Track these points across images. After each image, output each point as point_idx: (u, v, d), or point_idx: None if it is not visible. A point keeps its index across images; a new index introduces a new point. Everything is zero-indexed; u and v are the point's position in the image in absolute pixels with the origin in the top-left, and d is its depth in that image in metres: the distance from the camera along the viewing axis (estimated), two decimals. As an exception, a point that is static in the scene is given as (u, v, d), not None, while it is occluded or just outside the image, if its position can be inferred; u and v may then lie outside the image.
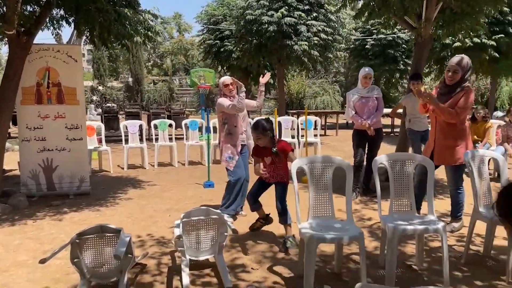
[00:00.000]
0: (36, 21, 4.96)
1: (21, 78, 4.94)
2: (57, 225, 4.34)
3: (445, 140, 3.84)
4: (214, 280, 3.04)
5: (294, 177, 3.06)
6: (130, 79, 20.63)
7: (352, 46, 15.44)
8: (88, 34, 5.35)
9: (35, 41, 5.06)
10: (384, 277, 2.94)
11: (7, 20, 4.62)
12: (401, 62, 14.62)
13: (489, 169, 5.99)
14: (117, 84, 20.98)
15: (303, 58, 10.40)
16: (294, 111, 13.71)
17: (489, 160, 5.49)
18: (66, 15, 5.19)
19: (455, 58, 3.73)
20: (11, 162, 7.01)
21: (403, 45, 14.81)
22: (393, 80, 15.71)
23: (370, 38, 14.60)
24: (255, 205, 3.87)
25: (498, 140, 6.67)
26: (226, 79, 4.49)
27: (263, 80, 4.45)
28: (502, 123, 7.02)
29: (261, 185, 3.81)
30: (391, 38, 14.49)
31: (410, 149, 5.96)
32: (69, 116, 5.39)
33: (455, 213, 4.06)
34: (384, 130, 6.14)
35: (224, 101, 4.36)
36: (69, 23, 5.25)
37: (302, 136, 8.07)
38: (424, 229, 2.91)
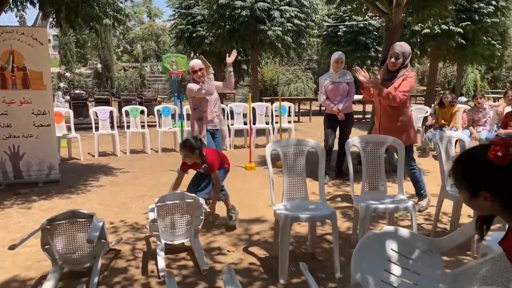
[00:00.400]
0: (-3, 1, 4.73)
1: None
2: (26, 213, 4.22)
3: (390, 124, 3.98)
4: (190, 263, 3.05)
5: (268, 161, 3.08)
6: (99, 66, 20.01)
7: (325, 33, 15.52)
8: (54, 16, 5.12)
9: (-3, 23, 4.83)
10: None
11: (-35, 0, 4.38)
12: (372, 49, 14.85)
13: (455, 152, 6.24)
14: (86, 71, 20.31)
15: (276, 43, 10.38)
16: (268, 98, 13.72)
17: (456, 142, 5.69)
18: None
19: (397, 45, 3.90)
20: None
21: (374, 32, 15.02)
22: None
23: (343, 25, 14.72)
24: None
25: (464, 124, 6.92)
26: (195, 64, 4.40)
27: (229, 59, 4.39)
28: (467, 107, 7.29)
29: (199, 177, 3.73)
30: (362, 25, 14.67)
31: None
32: (35, 102, 5.19)
33: (418, 191, 4.22)
34: (355, 116, 6.25)
35: (192, 86, 4.35)
36: (33, 4, 5.02)
37: (277, 122, 8.10)
38: (395, 207, 3.01)
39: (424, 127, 7.83)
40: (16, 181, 5.20)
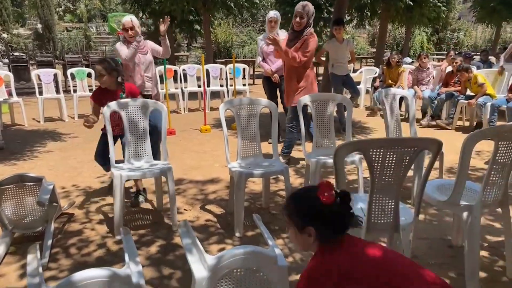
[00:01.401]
0: None
1: None
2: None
3: (292, 83, 4.14)
4: (147, 222, 3.08)
5: (222, 120, 3.11)
6: (39, 26, 18.54)
7: (278, -8, 15.24)
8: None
9: None
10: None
11: None
12: (325, 10, 14.80)
13: (400, 110, 6.56)
14: (25, 32, 18.77)
15: (229, 3, 10.09)
16: (222, 60, 13.49)
17: (401, 101, 5.98)
18: None
19: (300, 5, 3.93)
20: None
21: (327, -7, 14.95)
22: (317, 29, 15.95)
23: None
24: (107, 165, 3.19)
25: (409, 83, 7.25)
26: (125, 21, 3.96)
27: (162, 27, 4.08)
28: (413, 68, 7.61)
29: (106, 142, 3.15)
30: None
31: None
32: (-31, 63, 4.80)
33: (284, 149, 4.43)
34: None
35: (120, 49, 3.96)
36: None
37: (231, 85, 8.05)
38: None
39: (372, 87, 8.12)
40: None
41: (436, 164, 3.83)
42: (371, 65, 17.42)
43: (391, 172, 1.86)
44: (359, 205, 2.29)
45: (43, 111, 6.92)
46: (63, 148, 5.26)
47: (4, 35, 17.47)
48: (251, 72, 14.15)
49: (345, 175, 1.93)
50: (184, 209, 3.33)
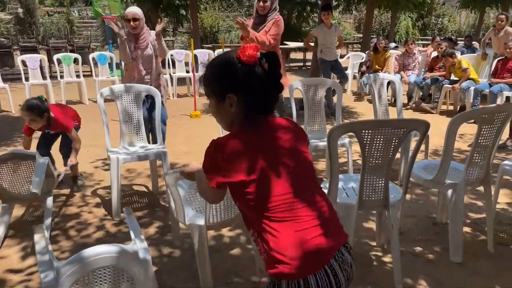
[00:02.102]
0: None
1: None
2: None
3: None
4: (144, 204, 3.16)
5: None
6: (20, 10, 18.05)
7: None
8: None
9: None
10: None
11: None
12: (312, -5, 14.81)
13: (388, 96, 6.69)
14: (5, 16, 18.24)
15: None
16: (210, 46, 13.41)
17: (388, 85, 6.11)
18: None
19: None
20: None
21: (314, -23, 14.91)
22: (304, 14, 15.94)
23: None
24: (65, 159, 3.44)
25: (395, 69, 7.38)
26: (128, 12, 3.72)
27: (158, 28, 3.81)
28: (398, 53, 7.74)
29: (45, 138, 3.48)
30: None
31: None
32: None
33: None
34: (296, 64, 6.36)
35: (118, 51, 3.76)
36: None
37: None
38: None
39: (359, 73, 8.23)
40: None
41: (422, 147, 4.00)
42: (357, 50, 17.54)
43: (382, 152, 1.97)
44: (351, 184, 2.40)
45: (30, 97, 6.83)
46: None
47: (-17, 19, 16.98)
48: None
49: (338, 157, 2.03)
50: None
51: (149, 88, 3.30)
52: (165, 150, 3.06)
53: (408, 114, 6.46)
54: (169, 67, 8.03)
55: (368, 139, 1.91)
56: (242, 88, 1.15)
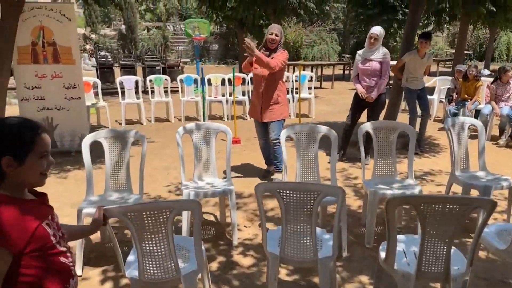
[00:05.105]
0: (26, -22, 4.88)
1: (15, 37, 4.95)
2: (62, 183, 4.61)
3: (270, 99, 4.36)
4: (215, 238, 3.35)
5: (282, 145, 3.29)
6: (123, 27, 20.10)
7: (351, -6, 14.94)
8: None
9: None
10: (365, 234, 3.26)
11: (-3, -22, 4.55)
12: (400, 12, 14.27)
13: (471, 132, 6.21)
14: (110, 32, 20.46)
15: (299, 10, 10.18)
16: (290, 63, 13.59)
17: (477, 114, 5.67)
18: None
19: (275, 26, 4.32)
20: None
21: (403, -7, 14.36)
22: (392, 30, 15.41)
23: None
24: None
25: (487, 98, 6.82)
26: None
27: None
28: (490, 80, 7.12)
29: None
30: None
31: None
32: (66, 76, 5.46)
33: (277, 165, 4.61)
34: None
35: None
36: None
37: (297, 93, 8.14)
38: (402, 193, 3.17)
39: (447, 99, 7.73)
40: (52, 150, 5.58)
41: (505, 204, 3.67)
42: (449, 67, 16.41)
43: (443, 226, 1.90)
44: (413, 248, 2.32)
45: (125, 114, 7.61)
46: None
47: (93, 35, 19.16)
48: (319, 74, 14.09)
49: (396, 225, 1.99)
50: (244, 226, 3.55)
51: (219, 126, 3.49)
52: (232, 188, 3.22)
53: (499, 150, 5.93)
54: (247, 84, 8.32)
55: (428, 213, 1.86)
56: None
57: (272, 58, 4.20)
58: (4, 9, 4.82)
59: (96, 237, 3.34)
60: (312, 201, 2.04)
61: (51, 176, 4.81)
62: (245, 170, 5.05)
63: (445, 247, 1.97)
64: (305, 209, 2.08)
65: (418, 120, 5.79)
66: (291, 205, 2.08)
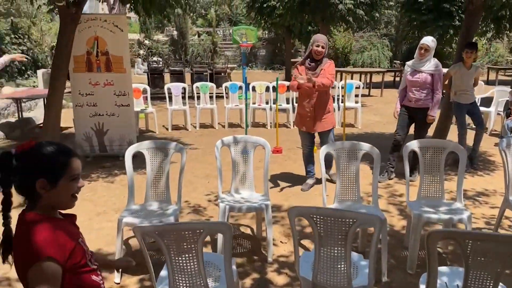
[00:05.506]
0: (83, -8, 5.16)
1: (72, 47, 5.25)
2: (109, 187, 4.80)
3: (323, 110, 4.47)
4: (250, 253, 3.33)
5: (322, 166, 3.20)
6: (175, 33, 20.78)
7: (403, -1, 14.44)
8: (132, 6, 5.49)
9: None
10: (407, 258, 3.09)
11: (57, -8, 4.84)
12: (457, 18, 13.55)
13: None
14: (163, 38, 21.21)
15: (347, 17, 9.97)
16: (338, 69, 13.34)
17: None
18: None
19: (320, 37, 4.36)
20: (67, 119, 7.57)
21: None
22: (448, 36, 14.67)
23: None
24: None
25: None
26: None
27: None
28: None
29: None
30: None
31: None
32: (117, 84, 5.71)
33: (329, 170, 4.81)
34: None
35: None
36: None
37: (343, 101, 7.96)
38: (449, 218, 2.98)
39: (505, 112, 7.22)
40: (101, 154, 5.87)
41: None
42: (509, 76, 15.37)
43: (490, 263, 1.74)
44: (456, 282, 2.17)
45: (171, 120, 7.83)
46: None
47: (146, 41, 19.96)
48: (368, 81, 13.69)
49: (437, 260, 1.86)
50: (281, 241, 3.50)
51: (258, 139, 3.47)
52: (268, 203, 3.19)
53: None
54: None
55: (473, 250, 1.72)
56: None
57: (321, 70, 4.31)
58: (63, 22, 5.13)
59: (135, 244, 3.44)
60: (346, 228, 1.95)
61: (99, 180, 5.04)
62: (286, 180, 5.00)
63: (491, 283, 1.82)
64: (339, 236, 2.00)
65: (470, 133, 5.44)
66: (324, 231, 2.01)
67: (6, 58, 4.81)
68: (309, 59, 4.38)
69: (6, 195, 1.36)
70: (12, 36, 13.60)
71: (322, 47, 4.26)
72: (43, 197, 1.37)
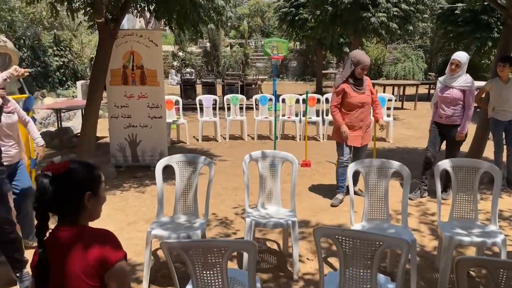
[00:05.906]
0: (121, 8, 5.39)
1: (109, 61, 5.48)
2: (140, 197, 4.93)
3: (369, 122, 4.71)
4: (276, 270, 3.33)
5: (350, 183, 3.17)
6: (208, 44, 21.20)
7: (439, 10, 14.11)
8: (166, 22, 5.67)
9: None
10: (438, 281, 2.99)
11: (96, 9, 5.09)
12: (495, 30, 13.09)
13: None
14: (196, 49, 21.69)
15: (380, 30, 9.87)
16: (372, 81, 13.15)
17: None
18: (148, 4, 5.55)
19: (365, 57, 4.45)
20: (103, 129, 7.87)
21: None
22: (486, 48, 14.19)
23: (460, 4, 13.18)
24: None
25: None
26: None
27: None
28: None
29: None
30: (486, 3, 12.98)
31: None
32: (150, 96, 5.89)
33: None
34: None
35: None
36: (150, 11, 5.61)
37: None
38: (482, 242, 2.87)
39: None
40: (134, 164, 6.05)
41: None
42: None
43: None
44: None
45: (202, 131, 7.97)
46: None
47: (180, 53, 20.47)
48: (401, 93, 13.40)
49: (466, 284, 1.79)
50: (307, 258, 3.48)
51: (286, 155, 3.48)
52: (294, 220, 3.18)
53: None
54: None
55: (504, 280, 1.65)
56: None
57: (366, 86, 4.57)
58: (101, 37, 5.38)
59: (163, 256, 3.50)
60: (372, 250, 1.93)
61: (131, 190, 5.18)
62: (314, 195, 4.97)
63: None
64: (365, 257, 1.97)
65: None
66: (350, 252, 1.99)
67: (4, 75, 3.97)
68: (353, 79, 4.51)
69: (44, 220, 1.45)
70: (55, 48, 14.34)
71: (364, 69, 4.45)
72: (87, 208, 1.51)
